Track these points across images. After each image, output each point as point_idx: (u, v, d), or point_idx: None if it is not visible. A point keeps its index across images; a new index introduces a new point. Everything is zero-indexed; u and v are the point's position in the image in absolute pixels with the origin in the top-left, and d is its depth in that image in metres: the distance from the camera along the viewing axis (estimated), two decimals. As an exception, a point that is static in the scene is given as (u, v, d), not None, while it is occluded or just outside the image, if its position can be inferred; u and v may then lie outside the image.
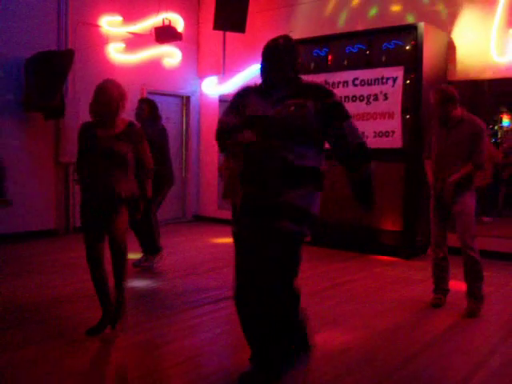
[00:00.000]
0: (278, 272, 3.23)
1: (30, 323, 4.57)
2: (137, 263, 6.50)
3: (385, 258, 7.53)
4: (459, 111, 4.96)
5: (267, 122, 3.25)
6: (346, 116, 3.27)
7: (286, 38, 3.38)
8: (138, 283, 5.82)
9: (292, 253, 3.27)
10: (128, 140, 4.12)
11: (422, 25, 7.27)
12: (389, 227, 7.59)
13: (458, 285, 5.61)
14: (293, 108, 3.24)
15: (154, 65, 10.22)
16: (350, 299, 5.49)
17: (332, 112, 3.25)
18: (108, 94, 4.04)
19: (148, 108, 6.55)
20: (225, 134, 3.41)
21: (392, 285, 6.10)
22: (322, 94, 3.29)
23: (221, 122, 3.49)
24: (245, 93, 3.47)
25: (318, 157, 3.34)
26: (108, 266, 4.26)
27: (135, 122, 4.35)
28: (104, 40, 9.39)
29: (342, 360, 3.90)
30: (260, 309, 3.32)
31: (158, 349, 4.08)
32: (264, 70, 3.38)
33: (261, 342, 3.40)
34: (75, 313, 4.85)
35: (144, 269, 6.44)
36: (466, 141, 4.88)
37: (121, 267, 4.21)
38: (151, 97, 9.05)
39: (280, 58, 3.30)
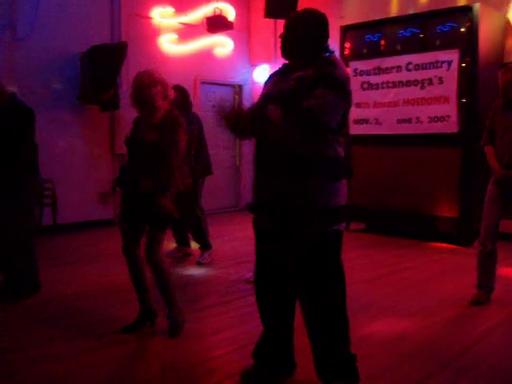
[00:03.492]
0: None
1: (88, 312, 4.66)
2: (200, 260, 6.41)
3: (442, 245, 7.40)
4: None
5: (267, 100, 2.86)
6: (334, 88, 2.72)
7: (309, 10, 2.96)
8: (191, 271, 5.88)
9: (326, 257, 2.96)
10: (160, 128, 3.90)
11: (477, 6, 7.07)
12: (445, 213, 7.44)
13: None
14: (293, 82, 2.79)
15: (207, 55, 10.28)
16: (406, 287, 5.42)
17: (323, 79, 2.73)
18: (138, 82, 4.00)
19: (181, 96, 5.96)
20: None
21: (450, 272, 5.99)
22: (326, 63, 2.82)
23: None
24: (269, 78, 3.12)
25: (327, 142, 2.84)
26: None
27: (174, 110, 4.06)
28: (156, 31, 9.50)
29: (399, 347, 3.86)
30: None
31: (211, 336, 4.13)
32: (282, 45, 2.98)
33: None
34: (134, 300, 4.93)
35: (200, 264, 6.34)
36: None
37: (162, 284, 4.08)
38: (204, 87, 9.10)
39: (298, 31, 2.89)
